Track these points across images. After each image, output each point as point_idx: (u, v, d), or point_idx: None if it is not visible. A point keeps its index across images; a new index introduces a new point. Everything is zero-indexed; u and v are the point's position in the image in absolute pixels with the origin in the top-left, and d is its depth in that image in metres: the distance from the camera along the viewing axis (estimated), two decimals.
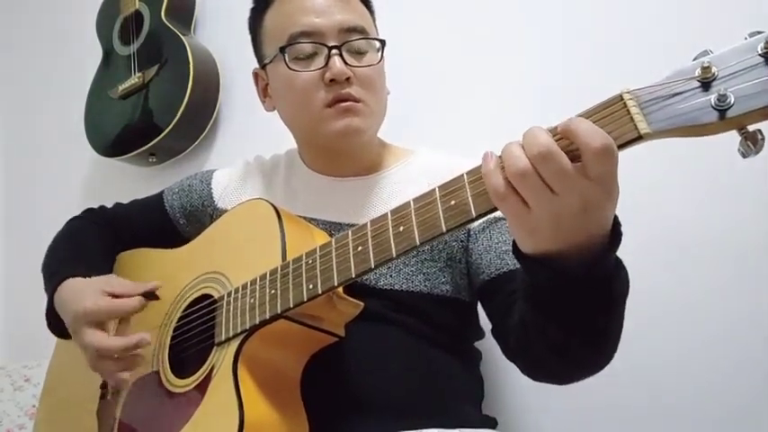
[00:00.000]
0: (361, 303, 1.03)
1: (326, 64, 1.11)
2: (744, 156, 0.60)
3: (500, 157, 0.70)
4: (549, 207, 0.67)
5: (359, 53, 1.15)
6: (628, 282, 0.81)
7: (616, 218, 0.74)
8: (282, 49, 1.13)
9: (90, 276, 1.15)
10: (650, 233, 1.31)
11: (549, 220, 0.68)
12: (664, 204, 1.33)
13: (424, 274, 1.11)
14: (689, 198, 1.30)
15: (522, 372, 0.99)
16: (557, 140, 0.66)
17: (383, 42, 1.18)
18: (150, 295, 1.11)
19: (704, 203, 1.28)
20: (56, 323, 1.16)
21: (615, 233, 0.74)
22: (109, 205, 1.45)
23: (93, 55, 2.29)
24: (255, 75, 1.27)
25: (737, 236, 1.25)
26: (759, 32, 0.59)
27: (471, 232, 1.14)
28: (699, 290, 1.27)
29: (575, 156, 0.65)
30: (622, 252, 1.29)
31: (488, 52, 1.61)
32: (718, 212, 1.27)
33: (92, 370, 1.07)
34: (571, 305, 0.77)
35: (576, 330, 0.81)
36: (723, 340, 1.24)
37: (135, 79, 2.11)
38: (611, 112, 0.65)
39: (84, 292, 1.09)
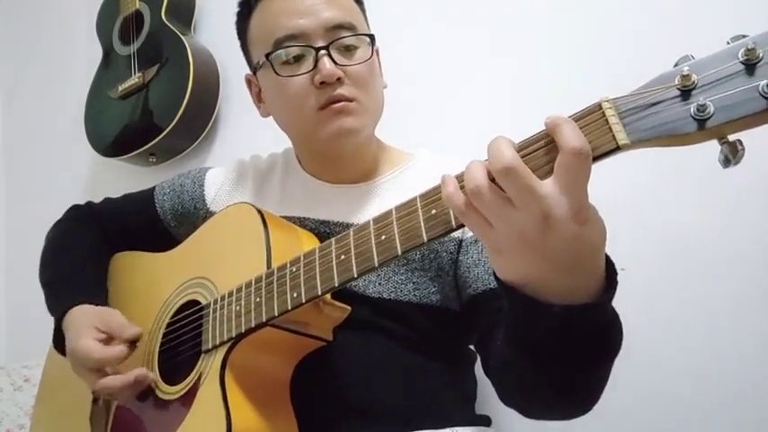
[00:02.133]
0: (348, 307, 1.02)
1: (315, 66, 1.08)
2: (724, 166, 0.58)
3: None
4: (510, 222, 0.65)
5: (348, 50, 1.11)
6: (615, 341, 0.76)
7: (613, 272, 0.71)
8: (268, 56, 1.11)
9: (92, 300, 1.16)
10: (647, 237, 1.31)
11: (512, 236, 0.66)
12: (661, 208, 1.33)
13: (413, 283, 1.09)
14: (686, 201, 1.30)
15: (496, 391, 0.98)
16: (526, 152, 0.66)
17: (372, 36, 1.14)
18: (135, 340, 1.12)
19: (702, 207, 1.28)
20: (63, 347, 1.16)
21: (609, 286, 0.71)
22: None
23: (94, 55, 2.29)
24: (248, 81, 1.25)
25: (736, 238, 1.25)
26: (742, 36, 0.57)
27: (463, 244, 1.11)
28: (698, 292, 1.27)
29: (541, 172, 0.65)
30: (622, 256, 1.27)
31: (482, 54, 1.61)
32: (715, 215, 1.27)
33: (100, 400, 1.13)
34: (543, 345, 0.74)
35: (545, 372, 0.78)
36: (723, 342, 1.24)
37: (135, 79, 2.11)
38: (590, 122, 0.63)
39: (78, 330, 1.10)
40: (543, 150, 0.66)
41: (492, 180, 0.64)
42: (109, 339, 1.09)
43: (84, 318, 1.12)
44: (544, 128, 0.65)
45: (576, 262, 0.67)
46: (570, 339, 0.71)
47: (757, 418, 1.19)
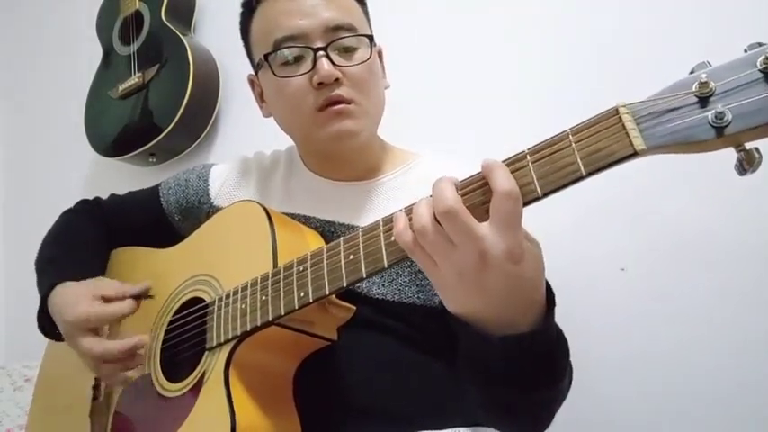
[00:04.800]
0: (353, 307, 1.02)
1: (314, 67, 1.07)
2: (740, 173, 0.59)
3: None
4: (451, 261, 0.70)
5: (347, 51, 1.10)
6: (557, 366, 0.81)
7: (552, 303, 0.78)
8: (267, 57, 1.11)
9: (80, 279, 1.15)
10: (647, 235, 1.33)
11: (452, 275, 0.71)
12: (661, 206, 1.34)
13: (417, 285, 1.09)
14: (686, 200, 1.31)
15: None
16: (467, 191, 0.72)
17: (370, 37, 1.14)
18: (142, 296, 1.12)
19: (702, 205, 1.30)
20: (48, 326, 1.16)
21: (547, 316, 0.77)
22: None
23: (94, 55, 2.30)
24: (251, 81, 1.25)
25: (736, 236, 1.26)
26: (760, 44, 0.57)
27: None
28: (698, 289, 1.29)
29: (479, 211, 0.70)
30: (622, 255, 1.27)
31: (486, 54, 1.62)
32: (715, 214, 1.28)
33: (94, 374, 1.11)
34: (487, 371, 0.80)
35: (491, 395, 0.85)
36: (723, 339, 1.25)
37: (135, 79, 2.11)
38: (606, 126, 0.63)
39: (74, 299, 1.09)
40: (480, 191, 0.71)
41: (437, 220, 0.70)
42: (107, 302, 1.10)
43: (77, 289, 1.12)
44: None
45: (513, 297, 0.72)
46: (511, 367, 0.77)
47: (757, 414, 1.21)
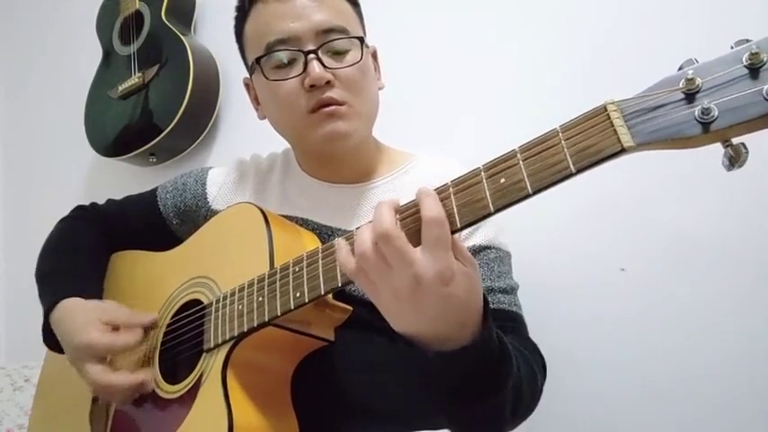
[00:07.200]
0: (350, 308, 1.03)
1: (305, 69, 1.08)
2: (728, 168, 0.59)
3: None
4: (388, 283, 0.74)
5: (339, 53, 1.11)
6: (493, 379, 0.83)
7: (487, 327, 0.79)
8: (258, 60, 1.11)
9: (84, 294, 1.15)
10: (648, 237, 1.33)
11: (390, 296, 0.76)
12: (661, 209, 1.34)
13: None
14: (686, 202, 1.31)
15: None
16: (405, 216, 0.77)
17: (361, 39, 1.14)
18: (150, 327, 1.14)
19: (702, 207, 1.29)
20: (52, 340, 1.16)
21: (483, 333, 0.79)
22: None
23: (94, 55, 2.30)
24: (246, 85, 1.25)
25: (736, 239, 1.26)
26: (746, 41, 0.57)
27: None
28: (698, 291, 1.28)
29: (417, 236, 0.73)
30: (622, 256, 1.27)
31: (483, 54, 1.62)
32: (715, 216, 1.28)
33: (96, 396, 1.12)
34: (431, 383, 0.84)
35: (439, 405, 0.88)
36: (726, 344, 1.25)
37: (135, 79, 2.12)
38: (595, 124, 0.63)
39: (82, 322, 1.10)
40: (414, 218, 0.76)
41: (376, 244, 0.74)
42: (115, 331, 1.10)
43: (84, 311, 1.12)
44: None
45: (447, 316, 0.76)
46: (450, 379, 0.81)
47: (756, 415, 1.20)
